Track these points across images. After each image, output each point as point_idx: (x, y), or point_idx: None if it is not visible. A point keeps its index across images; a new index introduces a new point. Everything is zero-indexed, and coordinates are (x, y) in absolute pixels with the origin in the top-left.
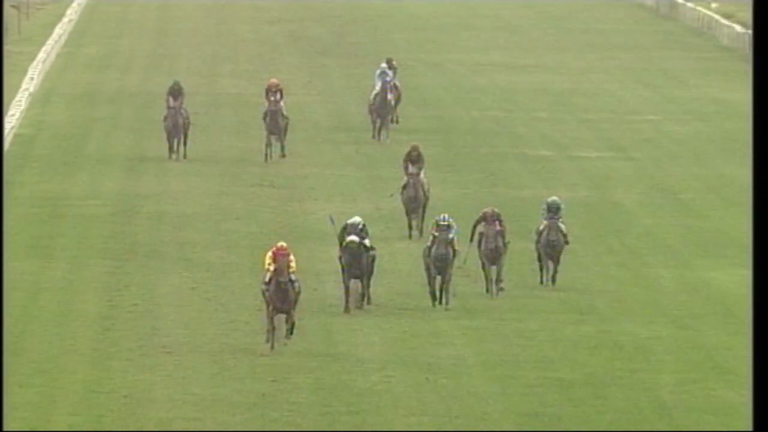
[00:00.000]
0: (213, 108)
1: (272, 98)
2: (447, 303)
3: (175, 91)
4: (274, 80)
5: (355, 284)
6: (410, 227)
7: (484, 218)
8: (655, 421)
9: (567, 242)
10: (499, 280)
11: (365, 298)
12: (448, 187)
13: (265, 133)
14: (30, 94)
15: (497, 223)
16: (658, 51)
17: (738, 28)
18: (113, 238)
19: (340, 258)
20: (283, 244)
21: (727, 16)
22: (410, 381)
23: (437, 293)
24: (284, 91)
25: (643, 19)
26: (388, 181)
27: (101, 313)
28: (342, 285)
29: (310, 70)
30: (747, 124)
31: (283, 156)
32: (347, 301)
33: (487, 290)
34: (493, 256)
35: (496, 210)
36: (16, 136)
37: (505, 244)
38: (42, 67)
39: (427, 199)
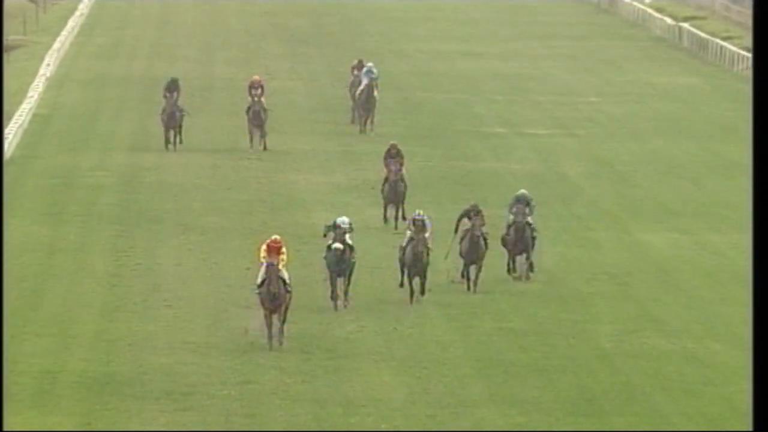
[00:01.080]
0: (207, 91)
1: (254, 94)
2: (420, 297)
3: (172, 87)
4: (256, 77)
5: (339, 282)
6: (386, 217)
7: (467, 213)
8: (596, 366)
9: (534, 236)
10: (475, 280)
11: (346, 295)
12: (415, 160)
13: (248, 125)
14: (46, 79)
15: (481, 217)
16: (598, 41)
17: (668, 20)
18: (119, 205)
19: (326, 257)
20: (277, 237)
21: (659, 10)
22: (380, 331)
23: (413, 290)
24: (265, 86)
25: (585, 13)
26: (361, 155)
27: (109, 271)
28: (329, 284)
29: (292, 57)
30: (676, 105)
31: (264, 148)
32: (334, 299)
33: (462, 275)
34: (473, 254)
35: (477, 206)
36: (34, 115)
37: (486, 243)
38: (57, 55)
39: (406, 188)
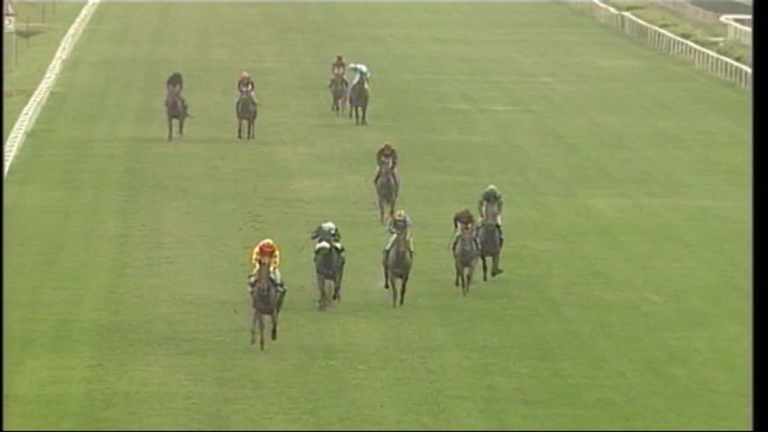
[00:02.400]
0: (204, 72)
1: (244, 89)
2: (402, 301)
3: (175, 80)
4: (245, 74)
5: (328, 284)
6: (382, 212)
7: (459, 219)
8: (548, 315)
9: (502, 239)
10: (469, 280)
11: (336, 294)
12: (388, 133)
13: (236, 116)
14: (62, 61)
15: (469, 224)
16: (551, 27)
17: (612, 9)
18: (127, 173)
19: (314, 259)
20: (269, 241)
21: (604, 1)
22: (358, 287)
23: (396, 292)
24: (254, 82)
25: (539, 3)
26: (341, 127)
27: (117, 232)
28: (317, 285)
29: (279, 42)
30: (619, 84)
31: (252, 138)
32: (323, 300)
33: (457, 283)
34: (466, 259)
35: (468, 212)
36: (51, 93)
37: (478, 247)
38: (71, 40)
39: (398, 186)
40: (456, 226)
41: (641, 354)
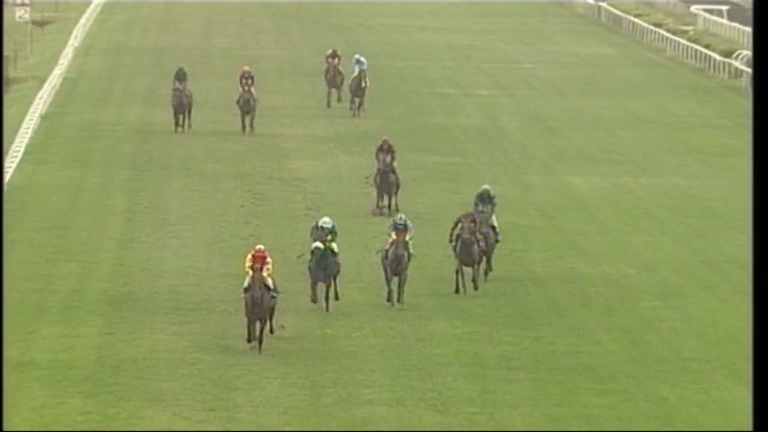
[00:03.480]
0: (207, 59)
1: (245, 83)
2: (402, 303)
3: (181, 75)
4: (246, 68)
5: (320, 287)
6: (379, 205)
7: (461, 220)
8: (529, 287)
9: (497, 240)
10: (473, 280)
11: (334, 295)
12: (379, 117)
13: (239, 112)
14: (75, 49)
15: (471, 220)
16: (531, 17)
17: (589, 0)
18: (134, 153)
19: (308, 261)
20: (261, 246)
21: None
22: (351, 256)
23: (394, 292)
24: (255, 77)
25: None
26: (336, 111)
27: (126, 208)
28: (310, 287)
29: (278, 31)
30: (596, 70)
31: (252, 130)
32: (315, 299)
33: (456, 290)
34: (468, 256)
35: (471, 213)
36: (64, 79)
37: (479, 246)
38: (83, 29)
39: (398, 179)
40: (456, 226)
41: (617, 323)
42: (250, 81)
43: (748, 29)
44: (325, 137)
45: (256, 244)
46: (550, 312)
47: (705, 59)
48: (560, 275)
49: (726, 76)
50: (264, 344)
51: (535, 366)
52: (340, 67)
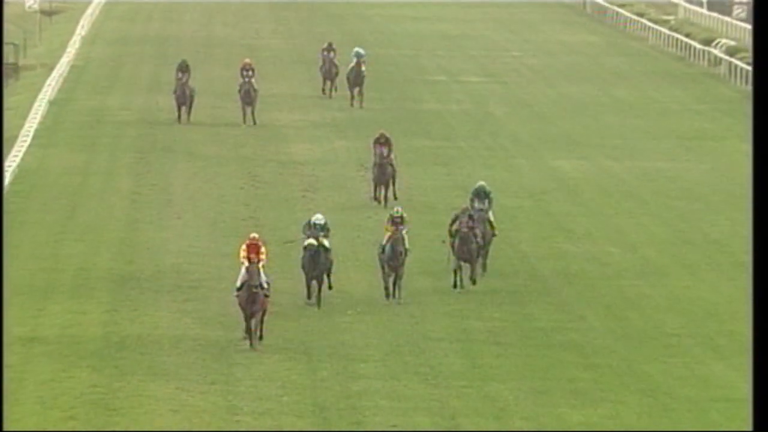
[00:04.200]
0: (208, 47)
1: (245, 75)
2: (400, 297)
3: (183, 68)
4: (247, 60)
5: (313, 284)
6: (375, 196)
7: (458, 217)
8: (518, 265)
9: (494, 234)
10: (471, 276)
11: (328, 286)
12: (374, 103)
13: (240, 103)
14: (81, 37)
15: (468, 217)
16: (519, 8)
17: None
18: (139, 137)
19: (301, 258)
20: (255, 235)
21: None
22: (346, 237)
23: (391, 288)
24: (256, 69)
25: None
26: (333, 98)
27: (131, 190)
28: (305, 284)
29: (275, 20)
30: (581, 58)
31: (254, 123)
32: (309, 296)
33: (455, 285)
34: (466, 252)
35: (469, 209)
36: (72, 66)
37: (477, 243)
38: (90, 19)
39: (394, 171)
40: (455, 221)
41: (600, 300)
42: (251, 73)
43: (728, 19)
44: (321, 122)
45: (255, 225)
46: (536, 289)
47: (685, 48)
48: (547, 254)
49: (706, 63)
50: (256, 343)
51: (523, 341)
52: (336, 60)
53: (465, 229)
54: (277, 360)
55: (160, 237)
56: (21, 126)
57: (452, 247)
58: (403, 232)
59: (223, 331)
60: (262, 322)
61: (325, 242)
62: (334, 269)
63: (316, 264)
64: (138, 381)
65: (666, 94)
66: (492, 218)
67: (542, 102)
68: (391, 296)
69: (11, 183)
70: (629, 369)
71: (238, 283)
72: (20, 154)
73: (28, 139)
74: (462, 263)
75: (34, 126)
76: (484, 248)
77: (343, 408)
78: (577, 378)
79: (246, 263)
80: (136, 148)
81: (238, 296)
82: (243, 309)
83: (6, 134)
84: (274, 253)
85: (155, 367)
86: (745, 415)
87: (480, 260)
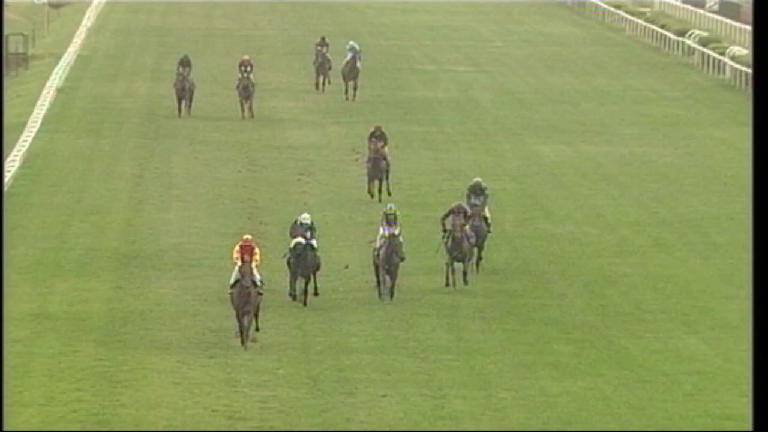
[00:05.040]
0: (208, 38)
1: (244, 71)
2: (393, 297)
3: (185, 62)
4: (245, 56)
5: (300, 282)
6: (370, 190)
7: (452, 211)
8: (501, 245)
9: (489, 231)
10: (463, 274)
11: (314, 291)
12: (366, 91)
13: (238, 98)
14: (87, 29)
15: (462, 216)
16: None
17: None
18: (143, 124)
19: (288, 258)
20: (249, 236)
21: None
22: (338, 218)
23: (384, 288)
24: (254, 64)
25: None
26: (325, 92)
27: (134, 173)
28: (289, 284)
29: (272, 12)
30: (561, 48)
31: (252, 116)
32: (294, 296)
33: (447, 284)
34: (459, 252)
35: (461, 205)
36: (78, 56)
37: (469, 242)
38: (95, 11)
39: (389, 166)
40: (448, 216)
41: (580, 277)
42: (249, 69)
43: (701, 11)
44: (316, 109)
45: (253, 207)
46: (519, 268)
47: (660, 38)
48: (529, 234)
49: (680, 53)
50: (247, 341)
51: (507, 317)
52: (329, 55)
53: (458, 234)
54: (273, 334)
55: (162, 218)
56: (30, 113)
57: (445, 246)
58: (400, 238)
59: (222, 306)
60: (257, 317)
61: (313, 242)
62: (320, 271)
63: (303, 263)
64: (141, 355)
65: (642, 82)
66: (488, 214)
67: (524, 90)
68: (384, 296)
69: (21, 167)
70: (607, 343)
71: (232, 281)
72: (29, 139)
73: (37, 125)
74: (455, 263)
75: (43, 112)
76: (478, 245)
77: (335, 380)
78: (558, 352)
79: (239, 263)
80: (140, 133)
81: (230, 294)
82: (235, 307)
83: (15, 120)
84: (274, 247)
85: (157, 342)
86: (716, 387)
87: (473, 259)
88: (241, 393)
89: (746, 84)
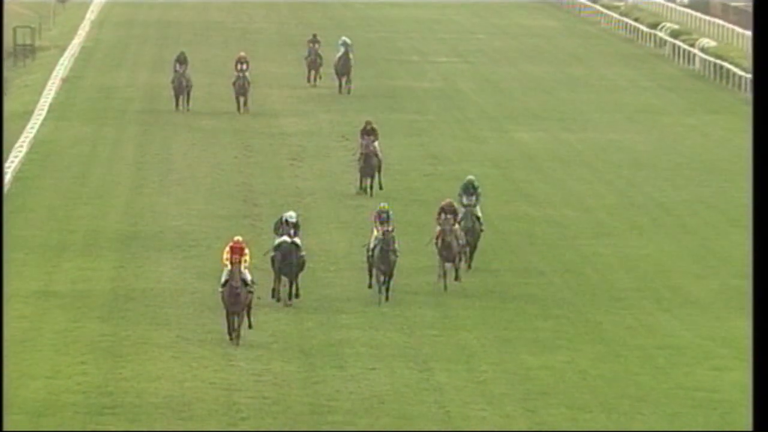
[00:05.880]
0: (205, 31)
1: (240, 67)
2: (387, 298)
3: (181, 59)
4: (242, 53)
5: (284, 281)
6: (361, 186)
7: (443, 210)
8: (483, 226)
9: (482, 229)
10: (455, 275)
11: (295, 293)
12: (355, 81)
13: (234, 94)
14: (91, 22)
15: (452, 216)
16: None
17: None
18: (143, 111)
19: (273, 256)
20: (239, 238)
21: None
22: (330, 198)
23: (379, 287)
24: (250, 62)
25: None
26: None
27: (135, 159)
28: (274, 283)
29: (267, 6)
30: (540, 40)
31: (247, 111)
32: (278, 297)
33: (444, 288)
34: (449, 254)
35: (452, 204)
36: (82, 47)
37: (459, 243)
38: (99, 5)
39: (380, 162)
40: (439, 216)
41: (558, 258)
42: (245, 65)
43: (672, 5)
44: (307, 98)
45: (248, 191)
46: (501, 248)
47: (634, 31)
48: (510, 217)
49: (652, 45)
50: (239, 339)
51: (489, 295)
52: (320, 51)
53: (448, 238)
54: (267, 311)
55: (162, 201)
56: (36, 101)
57: (436, 248)
58: (390, 227)
59: (219, 285)
60: (248, 315)
61: (297, 240)
62: (312, 251)
63: (289, 263)
64: (142, 330)
65: (616, 72)
66: (479, 213)
67: (505, 80)
68: (380, 295)
69: (28, 153)
70: (584, 319)
71: (222, 280)
72: (36, 127)
73: (43, 113)
74: (446, 264)
75: (48, 101)
76: (472, 243)
77: (327, 354)
78: (537, 328)
79: (228, 265)
80: (140, 121)
81: (221, 293)
82: (225, 307)
83: (23, 108)
84: (268, 228)
85: (158, 318)
86: (686, 360)
87: (464, 259)
88: (236, 366)
89: (715, 74)
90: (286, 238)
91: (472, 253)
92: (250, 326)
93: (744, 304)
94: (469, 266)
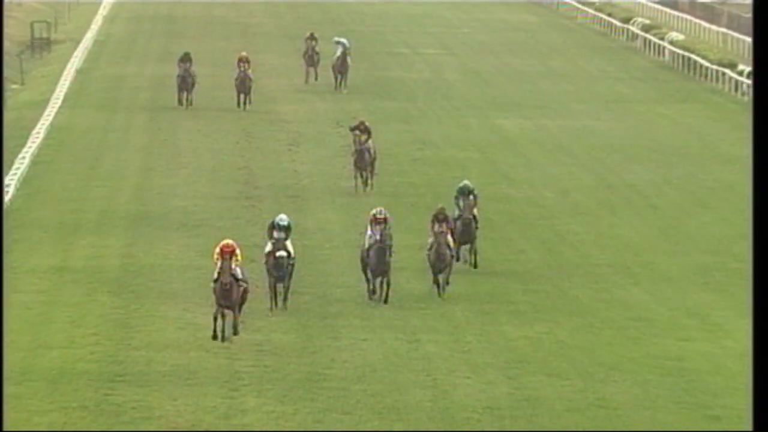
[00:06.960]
0: (208, 25)
1: (242, 66)
2: (386, 300)
3: (185, 58)
4: (243, 53)
5: (278, 287)
6: (356, 182)
7: (436, 218)
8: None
9: (477, 227)
10: (446, 283)
11: (286, 299)
12: (350, 71)
13: (235, 92)
14: (103, 17)
15: (444, 224)
16: None
17: None
18: (152, 100)
19: (266, 263)
20: (229, 241)
21: None
22: (326, 176)
23: (377, 288)
24: (251, 61)
25: None
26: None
27: (144, 144)
28: (268, 288)
29: (266, 2)
30: (522, 34)
31: (249, 106)
32: (273, 302)
33: (433, 286)
34: (440, 264)
35: (444, 210)
36: (94, 41)
37: (450, 253)
38: (111, 1)
39: (374, 160)
40: (433, 225)
41: (537, 236)
42: (246, 64)
43: (643, 1)
44: (305, 87)
45: (249, 174)
46: (483, 227)
47: (607, 25)
48: (492, 197)
49: (624, 38)
50: (233, 337)
51: (472, 270)
52: (317, 48)
53: (443, 250)
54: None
55: (169, 183)
56: (53, 90)
57: (428, 259)
58: (387, 228)
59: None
60: (241, 310)
61: (288, 244)
62: (309, 229)
63: (281, 267)
64: (151, 303)
65: (592, 64)
66: (476, 213)
67: (489, 71)
68: (377, 296)
69: (45, 138)
70: (561, 294)
71: (215, 276)
72: (52, 114)
73: (59, 102)
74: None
75: (64, 90)
76: (470, 241)
77: (322, 326)
78: (517, 301)
79: (219, 262)
80: (149, 109)
81: (213, 288)
82: (216, 303)
83: (40, 97)
84: (266, 209)
85: (165, 292)
86: (656, 332)
87: (448, 270)
88: (238, 336)
89: (683, 65)
90: (282, 253)
91: (471, 249)
92: (235, 329)
93: (710, 279)
94: (469, 258)
